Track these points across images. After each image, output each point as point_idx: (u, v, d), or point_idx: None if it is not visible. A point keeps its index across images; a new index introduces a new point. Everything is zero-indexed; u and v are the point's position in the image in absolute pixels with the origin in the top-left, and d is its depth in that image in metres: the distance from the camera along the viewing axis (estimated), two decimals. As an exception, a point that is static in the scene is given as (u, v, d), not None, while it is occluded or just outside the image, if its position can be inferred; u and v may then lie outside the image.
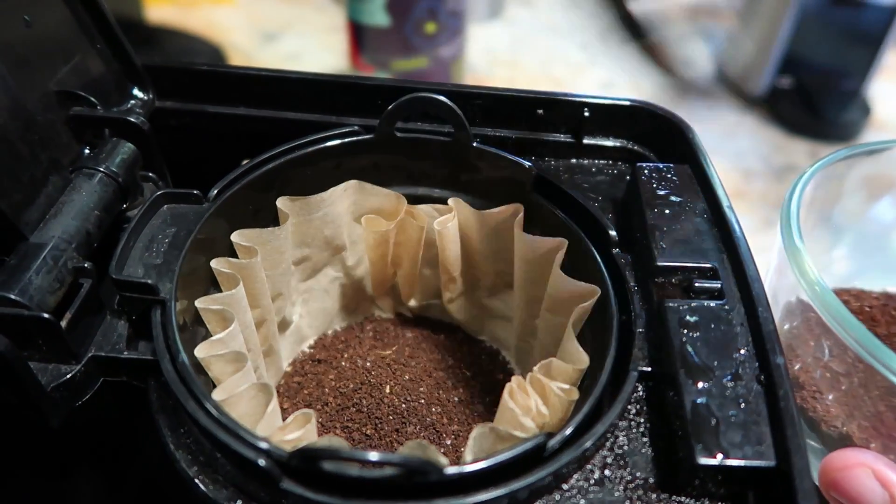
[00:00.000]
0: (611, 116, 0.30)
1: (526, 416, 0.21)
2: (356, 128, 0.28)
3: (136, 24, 0.84)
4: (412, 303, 0.32)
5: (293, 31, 0.95)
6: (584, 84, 0.91)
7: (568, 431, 0.20)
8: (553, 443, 0.20)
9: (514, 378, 0.22)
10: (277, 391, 0.29)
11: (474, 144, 0.27)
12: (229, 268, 0.24)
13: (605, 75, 0.92)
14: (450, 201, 0.28)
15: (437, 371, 0.29)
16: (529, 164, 0.27)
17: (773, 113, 0.86)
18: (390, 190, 0.29)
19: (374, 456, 0.17)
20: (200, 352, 0.21)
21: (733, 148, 0.82)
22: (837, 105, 0.84)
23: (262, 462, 0.18)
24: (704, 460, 0.19)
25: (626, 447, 0.21)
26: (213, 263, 0.24)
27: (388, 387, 0.28)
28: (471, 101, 0.30)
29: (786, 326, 0.28)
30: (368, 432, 0.26)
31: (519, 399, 0.22)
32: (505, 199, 0.28)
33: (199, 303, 0.23)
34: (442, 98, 0.27)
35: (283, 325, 0.29)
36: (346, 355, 0.30)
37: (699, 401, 0.20)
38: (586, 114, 0.29)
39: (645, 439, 0.21)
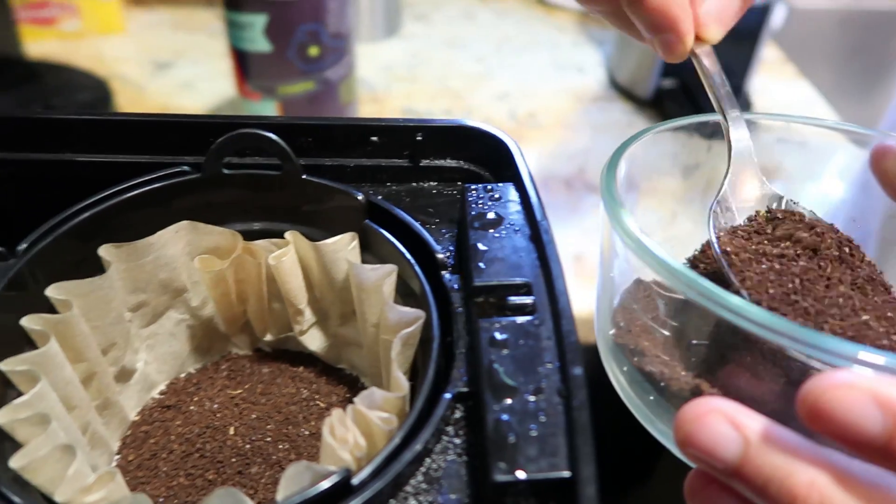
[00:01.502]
0: (444, 138, 0.30)
1: (343, 449, 0.21)
2: (185, 168, 0.28)
3: (14, 61, 0.81)
4: (268, 337, 0.32)
5: (186, 58, 0.94)
6: (482, 96, 0.93)
7: (376, 462, 0.20)
8: (363, 474, 0.20)
9: (334, 411, 0.22)
10: (123, 442, 0.28)
11: (304, 177, 0.28)
12: (40, 325, 0.23)
13: (501, 86, 0.94)
14: (286, 234, 0.28)
15: (290, 406, 0.29)
16: (359, 193, 0.27)
17: (662, 113, 0.89)
18: (225, 228, 0.28)
19: None
20: (1, 417, 0.21)
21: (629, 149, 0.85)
22: (720, 102, 0.88)
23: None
24: (501, 477, 0.19)
25: (442, 470, 0.21)
26: (23, 321, 0.23)
27: (232, 428, 0.27)
28: (304, 133, 0.30)
29: (623, 299, 0.29)
30: (210, 477, 0.26)
31: (338, 433, 0.22)
32: (341, 228, 0.28)
33: (2, 365, 0.22)
34: (265, 133, 0.27)
35: (126, 375, 0.28)
36: (195, 399, 0.29)
37: (502, 418, 0.20)
38: (419, 137, 0.30)
39: (462, 460, 0.22)
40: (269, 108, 0.70)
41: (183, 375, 0.31)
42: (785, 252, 0.27)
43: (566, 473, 0.19)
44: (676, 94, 0.88)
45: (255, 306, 0.30)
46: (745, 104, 0.88)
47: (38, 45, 0.90)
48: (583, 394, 0.20)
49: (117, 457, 0.27)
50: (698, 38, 0.28)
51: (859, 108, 1.14)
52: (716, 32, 0.28)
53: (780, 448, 0.17)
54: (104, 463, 0.27)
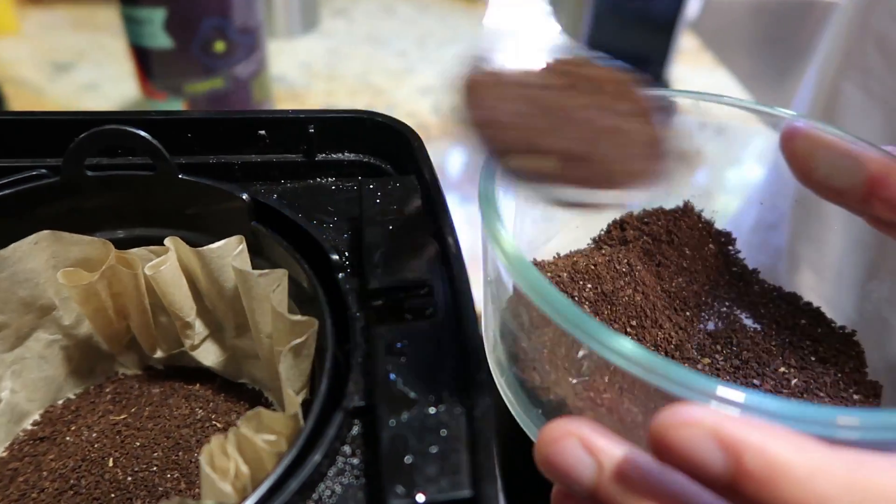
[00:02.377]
0: (340, 130, 0.28)
1: (224, 481, 0.19)
2: (43, 171, 0.25)
3: None
4: (158, 354, 0.29)
5: (88, 60, 0.88)
6: (405, 91, 0.90)
7: (258, 493, 0.18)
8: None
9: (213, 438, 0.20)
10: (-14, 483, 0.25)
11: (180, 176, 0.25)
12: None
13: (424, 80, 0.92)
14: (166, 241, 0.26)
15: (182, 429, 0.26)
16: (243, 192, 0.25)
17: (586, 103, 0.89)
18: (95, 236, 0.25)
19: None
20: None
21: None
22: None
23: None
24: (396, 501, 0.17)
25: (336, 496, 0.19)
26: None
27: (111, 459, 0.25)
28: (184, 128, 0.27)
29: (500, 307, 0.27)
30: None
31: (217, 462, 0.19)
32: (229, 232, 0.26)
33: None
34: (130, 129, 0.24)
35: (-13, 406, 0.25)
36: (72, 428, 0.26)
37: (399, 435, 0.18)
38: (311, 130, 0.28)
39: (360, 483, 0.19)
40: (175, 108, 0.66)
41: (60, 402, 0.28)
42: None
43: (467, 493, 0.17)
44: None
45: (138, 321, 0.27)
46: (665, 93, 0.89)
47: (-80, 48, 0.83)
48: (486, 402, 0.19)
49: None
50: None
51: (775, 95, 1.18)
52: None
53: (632, 477, 0.16)
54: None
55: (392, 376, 0.20)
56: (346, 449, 0.20)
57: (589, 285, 0.28)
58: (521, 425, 0.25)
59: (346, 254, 0.25)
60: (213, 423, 0.27)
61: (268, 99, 0.72)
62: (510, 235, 0.22)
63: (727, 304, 0.31)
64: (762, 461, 0.14)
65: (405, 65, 0.95)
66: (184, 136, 0.27)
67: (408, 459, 0.18)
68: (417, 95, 0.89)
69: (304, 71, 0.91)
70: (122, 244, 0.26)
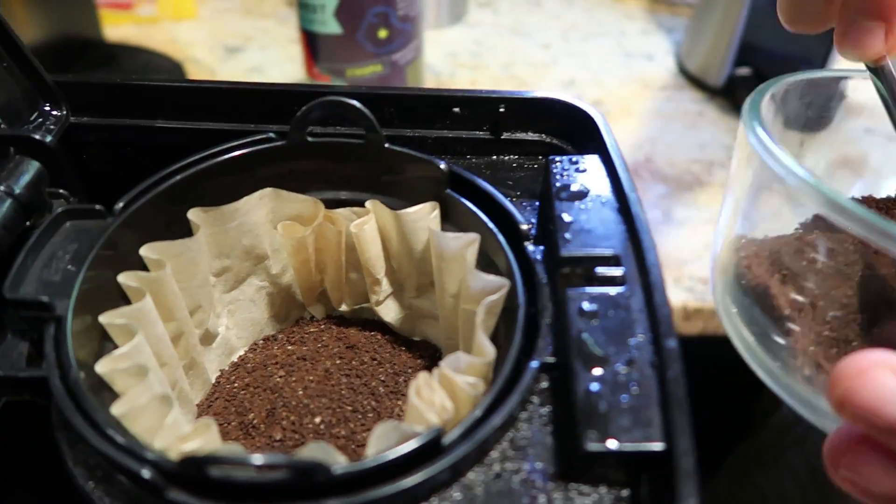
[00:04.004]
0: (526, 111, 0.30)
1: (430, 411, 0.21)
2: (271, 135, 0.28)
3: (96, 44, 0.84)
4: (343, 307, 0.32)
5: (255, 43, 0.95)
6: (547, 83, 0.91)
7: (464, 425, 0.20)
8: (451, 436, 0.20)
9: (420, 374, 0.22)
10: (203, 403, 0.29)
11: (386, 146, 0.28)
12: (136, 281, 0.24)
13: (567, 73, 0.93)
14: (367, 203, 0.28)
15: (363, 367, 0.29)
16: (442, 161, 0.27)
17: (734, 103, 0.86)
18: (308, 196, 0.29)
19: (258, 459, 0.17)
20: (101, 367, 0.21)
21: (696, 139, 0.83)
22: (796, 91, 0.85)
23: (145, 473, 0.18)
24: (593, 446, 0.19)
25: (527, 439, 0.21)
26: (120, 278, 0.24)
27: (300, 389, 0.28)
28: (387, 103, 0.30)
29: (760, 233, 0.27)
30: (279, 436, 0.26)
31: (424, 395, 0.22)
32: (422, 198, 0.28)
33: (102, 318, 0.22)
34: (349, 101, 0.27)
35: (209, 338, 0.29)
36: (272, 363, 0.30)
37: (592, 388, 0.20)
38: (502, 109, 0.30)
39: (548, 429, 0.21)
40: (337, 91, 0.70)
41: (261, 342, 0.32)
42: None
43: (660, 445, 0.18)
44: (750, 82, 0.85)
45: (332, 275, 0.31)
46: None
47: (116, 28, 0.93)
48: (678, 366, 0.20)
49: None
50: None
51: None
52: None
53: None
54: (189, 421, 0.27)
55: (584, 335, 0.21)
56: (536, 399, 0.22)
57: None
58: (749, 360, 0.25)
59: (531, 225, 0.27)
60: (394, 372, 0.30)
61: (419, 85, 0.76)
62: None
63: None
64: None
65: (548, 57, 0.96)
66: (386, 110, 0.30)
67: (602, 408, 0.19)
68: (560, 88, 0.90)
69: (450, 60, 0.94)
70: (329, 205, 0.29)
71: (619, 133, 0.82)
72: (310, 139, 0.28)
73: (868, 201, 0.27)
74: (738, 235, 0.27)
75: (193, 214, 0.26)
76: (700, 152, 0.80)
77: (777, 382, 0.24)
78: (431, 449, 0.19)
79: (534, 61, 0.95)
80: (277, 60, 0.90)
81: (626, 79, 0.92)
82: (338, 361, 0.29)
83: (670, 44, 0.97)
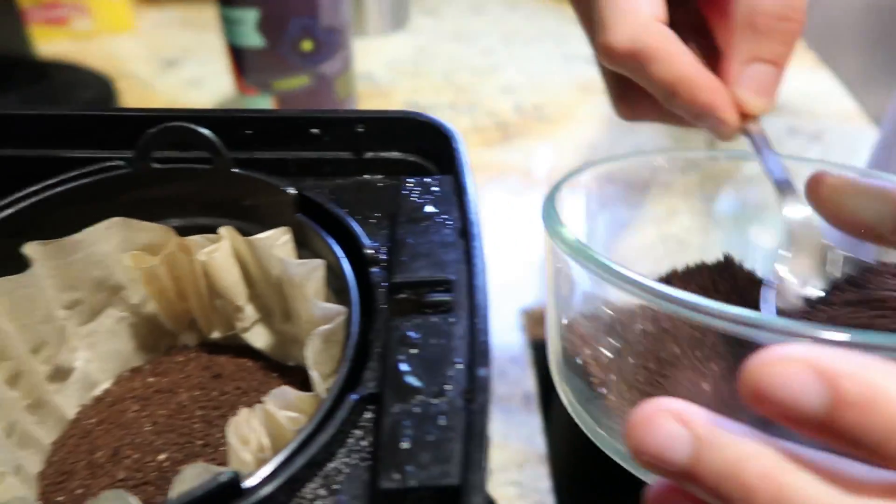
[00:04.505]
0: (386, 129, 0.29)
1: (245, 451, 0.21)
2: (118, 162, 0.28)
3: (25, 61, 0.83)
4: (215, 334, 0.31)
5: (194, 56, 0.94)
6: (488, 89, 0.91)
7: (272, 465, 0.19)
8: (259, 476, 0.19)
9: (241, 410, 0.22)
10: (57, 443, 0.28)
11: (234, 170, 0.27)
12: (-43, 321, 0.23)
13: (508, 79, 0.93)
14: (220, 229, 0.28)
15: (223, 398, 0.29)
16: (289, 187, 0.27)
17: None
18: (160, 224, 0.28)
19: None
20: None
21: (634, 142, 0.83)
22: (733, 92, 0.85)
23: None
24: (387, 484, 0.18)
25: (343, 475, 0.20)
26: (-57, 317, 0.23)
27: (150, 425, 0.27)
28: (244, 125, 0.29)
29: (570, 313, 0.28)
30: (122, 475, 0.25)
31: (241, 433, 0.21)
32: (276, 223, 0.27)
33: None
34: (190, 126, 0.26)
35: (63, 373, 0.28)
36: (131, 395, 0.29)
37: (399, 422, 0.19)
38: (360, 129, 0.29)
39: (365, 465, 0.21)
40: (265, 104, 0.70)
41: (126, 373, 0.31)
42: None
43: (454, 481, 0.18)
44: (687, 85, 0.85)
45: (196, 303, 0.30)
46: (759, 94, 0.85)
47: (50, 45, 0.92)
48: (484, 397, 0.19)
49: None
50: (746, 115, 0.28)
51: (886, 98, 1.10)
52: (760, 105, 0.28)
53: (731, 441, 0.16)
54: (36, 462, 0.27)
55: (402, 366, 0.21)
56: (358, 432, 0.21)
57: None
58: (589, 434, 0.26)
59: (383, 249, 0.27)
60: (255, 397, 0.29)
61: (351, 96, 0.75)
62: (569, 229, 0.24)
63: None
64: (861, 385, 0.14)
65: (490, 63, 0.96)
66: (243, 133, 0.29)
67: (404, 445, 0.19)
68: (500, 94, 0.90)
69: (391, 69, 0.94)
70: (183, 232, 0.28)
71: (559, 137, 0.83)
72: (157, 166, 0.27)
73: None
74: (556, 315, 0.28)
75: (29, 248, 0.26)
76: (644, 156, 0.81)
77: (604, 443, 0.25)
78: (224, 494, 0.19)
79: (475, 67, 0.95)
80: (216, 73, 0.89)
81: (567, 83, 0.92)
82: (196, 393, 0.29)
83: (611, 47, 0.98)
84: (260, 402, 0.23)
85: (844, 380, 0.14)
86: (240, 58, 0.68)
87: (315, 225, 0.27)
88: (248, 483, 0.19)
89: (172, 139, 0.27)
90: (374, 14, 0.99)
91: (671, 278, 0.32)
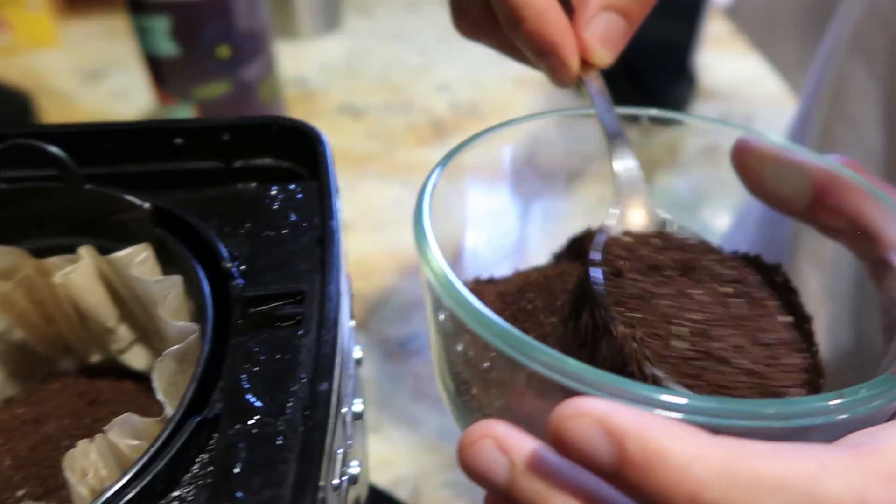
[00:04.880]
0: (253, 136, 0.28)
1: (82, 484, 0.20)
2: (-36, 184, 0.26)
3: (-61, 80, 0.80)
4: (95, 357, 0.30)
5: (119, 67, 0.92)
6: (423, 87, 0.91)
7: (102, 498, 0.18)
8: None
9: (80, 442, 0.21)
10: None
11: (88, 187, 0.26)
12: None
13: (444, 76, 0.92)
14: (79, 249, 0.27)
15: (92, 434, 0.27)
16: (144, 201, 0.25)
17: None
18: (16, 246, 0.27)
19: None
20: None
21: (572, 135, 0.82)
22: (663, 80, 0.86)
23: None
24: (217, 513, 0.17)
25: (186, 502, 0.19)
26: None
27: (11, 459, 0.26)
28: (100, 139, 0.28)
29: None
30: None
31: (78, 466, 0.20)
32: (138, 239, 0.26)
33: None
34: (37, 143, 0.25)
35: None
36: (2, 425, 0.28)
37: (234, 444, 0.18)
38: (226, 137, 0.28)
39: (208, 492, 0.20)
40: (186, 113, 0.68)
41: (-1, 402, 0.29)
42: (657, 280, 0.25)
43: (286, 504, 0.17)
44: (619, 75, 0.85)
45: (66, 327, 0.29)
46: (689, 82, 0.85)
47: (-33, 62, 0.88)
48: (322, 412, 0.18)
49: None
50: (586, 63, 0.27)
51: (819, 78, 1.11)
52: (603, 56, 0.27)
53: (542, 474, 0.17)
54: None
55: (244, 384, 0.20)
56: (205, 457, 0.20)
57: (537, 297, 0.28)
58: (460, 428, 0.25)
59: (245, 261, 0.25)
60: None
61: (276, 101, 0.74)
62: (439, 256, 0.22)
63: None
64: (643, 448, 0.15)
65: (425, 61, 0.95)
66: (105, 148, 0.28)
67: (237, 470, 0.18)
68: (435, 92, 0.89)
69: (324, 71, 0.92)
70: (43, 253, 0.27)
71: (496, 133, 0.82)
72: (3, 186, 0.26)
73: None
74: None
75: None
76: (578, 146, 0.80)
77: None
78: None
79: (410, 66, 0.94)
80: (141, 84, 0.86)
81: (502, 78, 0.92)
82: (66, 422, 0.27)
83: (545, 40, 0.97)
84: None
85: (629, 441, 0.15)
86: (156, 67, 0.66)
87: (174, 239, 0.25)
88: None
89: (19, 157, 0.25)
90: (305, 16, 0.97)
91: (585, 238, 0.31)
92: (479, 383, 0.23)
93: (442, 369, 0.25)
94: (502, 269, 0.33)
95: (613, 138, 0.26)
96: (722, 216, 0.44)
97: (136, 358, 0.30)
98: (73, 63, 0.93)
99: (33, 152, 0.25)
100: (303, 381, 0.20)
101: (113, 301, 0.28)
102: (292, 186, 0.26)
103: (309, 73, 0.91)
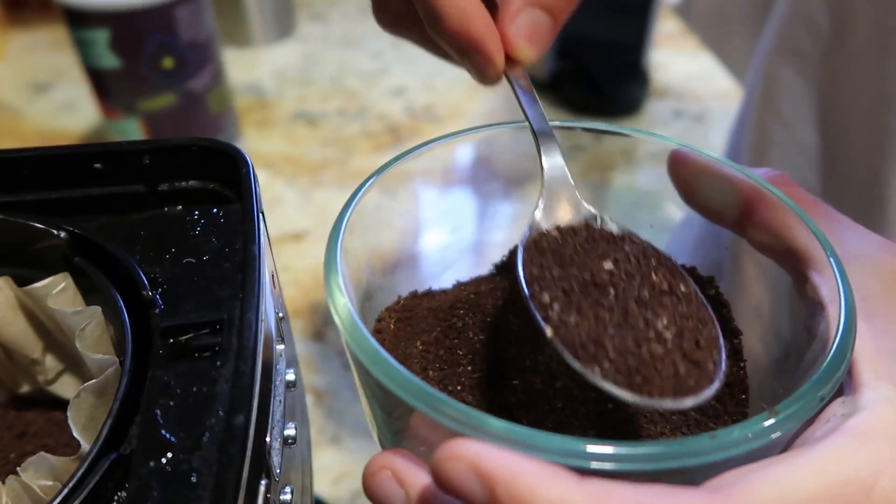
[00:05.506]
0: (175, 158, 0.28)
1: (-11, 529, 0.19)
2: None
3: None
4: (24, 388, 0.29)
5: (67, 79, 0.90)
6: (378, 92, 0.90)
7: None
8: None
9: None
10: None
11: None
12: None
13: (398, 81, 0.91)
14: (-3, 281, 0.26)
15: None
16: (59, 229, 0.25)
17: (561, 95, 0.87)
18: (-70, 279, 0.26)
19: None
20: None
21: (527, 135, 0.83)
22: (617, 80, 0.86)
23: None
24: (124, 559, 0.17)
25: (103, 543, 0.19)
26: None
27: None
28: (18, 165, 0.27)
29: None
30: None
31: (-12, 509, 0.19)
32: (60, 268, 0.25)
33: None
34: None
35: None
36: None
37: (147, 483, 0.18)
38: (147, 161, 0.27)
39: (127, 530, 0.19)
40: (132, 127, 0.67)
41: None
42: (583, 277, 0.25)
43: (196, 547, 0.17)
44: (575, 75, 0.86)
45: (-13, 360, 0.28)
46: (643, 79, 0.86)
47: None
48: (236, 447, 0.18)
49: None
50: (512, 60, 0.26)
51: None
52: (529, 52, 0.26)
53: None
54: None
55: (158, 419, 0.19)
56: (122, 494, 0.20)
57: (467, 314, 0.28)
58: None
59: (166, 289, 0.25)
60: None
61: (227, 110, 0.73)
62: (344, 297, 0.22)
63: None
64: (511, 492, 0.16)
65: (379, 66, 0.95)
66: (22, 173, 0.27)
67: (147, 508, 0.17)
68: (390, 97, 0.89)
69: (278, 78, 0.91)
70: (-45, 286, 0.26)
71: (437, 145, 0.82)
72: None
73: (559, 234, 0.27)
74: None
75: None
76: (531, 147, 0.81)
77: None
78: None
79: (365, 71, 0.94)
80: (88, 96, 0.85)
81: (457, 81, 0.92)
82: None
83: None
84: (16, 473, 0.21)
85: (498, 485, 0.16)
86: (99, 80, 0.65)
87: (93, 268, 0.25)
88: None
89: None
90: (257, 23, 0.96)
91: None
92: (382, 411, 0.23)
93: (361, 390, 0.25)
94: (454, 276, 0.33)
95: (540, 135, 0.26)
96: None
97: (66, 387, 0.29)
98: (18, 76, 0.91)
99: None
100: (219, 414, 0.19)
101: (36, 332, 0.27)
102: (214, 210, 0.25)
103: (262, 80, 0.90)
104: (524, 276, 0.23)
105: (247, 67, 0.92)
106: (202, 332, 0.21)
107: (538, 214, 0.27)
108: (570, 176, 0.27)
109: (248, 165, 0.27)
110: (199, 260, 0.24)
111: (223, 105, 0.72)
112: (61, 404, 0.29)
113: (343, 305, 0.21)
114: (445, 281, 0.33)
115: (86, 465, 0.19)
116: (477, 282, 0.31)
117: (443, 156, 0.33)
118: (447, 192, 0.35)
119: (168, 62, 0.64)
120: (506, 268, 0.33)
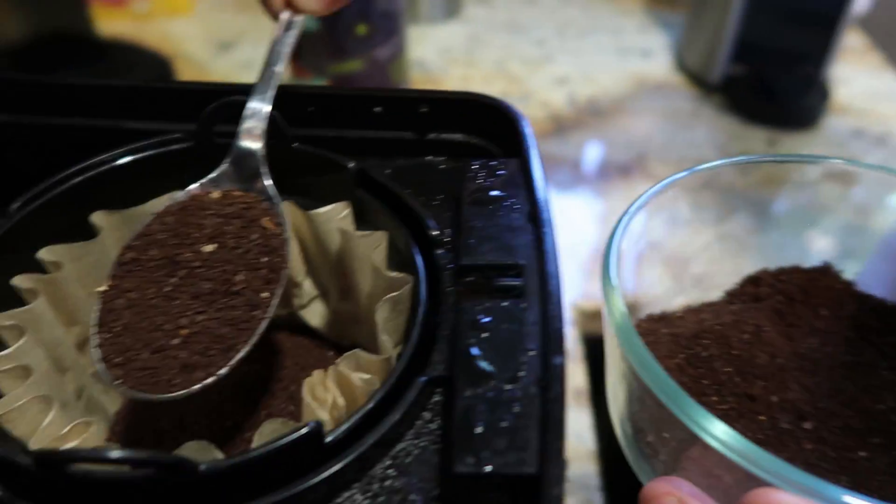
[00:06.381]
0: (450, 111, 0.29)
1: (322, 409, 0.20)
2: (179, 135, 0.27)
3: (87, 40, 0.84)
4: (280, 311, 0.31)
5: (249, 39, 0.95)
6: (540, 80, 0.90)
7: (344, 427, 0.19)
8: (335, 435, 0.19)
9: (315, 372, 0.21)
10: (120, 412, 0.28)
11: (295, 146, 0.27)
12: (30, 283, 0.23)
13: (561, 70, 0.91)
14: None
15: (283, 379, 0.29)
16: (351, 161, 0.26)
17: (731, 101, 0.84)
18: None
19: (115, 453, 0.16)
20: (-17, 369, 0.21)
21: (689, 138, 0.81)
22: (794, 90, 0.82)
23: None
24: (462, 468, 0.18)
25: (412, 457, 0.20)
26: (14, 281, 0.23)
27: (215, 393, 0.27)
28: (305, 101, 0.29)
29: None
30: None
31: (317, 393, 0.21)
32: (335, 199, 0.27)
33: (-9, 320, 0.22)
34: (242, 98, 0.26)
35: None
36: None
37: (473, 406, 0.19)
38: (424, 110, 0.29)
39: (435, 448, 0.20)
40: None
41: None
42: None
43: (532, 470, 0.17)
44: (747, 82, 0.83)
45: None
46: (821, 94, 0.82)
47: (110, 25, 0.93)
48: (560, 386, 0.19)
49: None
50: (293, 7, 0.29)
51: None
52: (309, 2, 0.29)
53: None
54: (102, 429, 0.27)
55: (473, 350, 0.20)
56: (426, 415, 0.21)
57: (713, 345, 0.27)
58: (634, 469, 0.26)
59: (448, 231, 0.26)
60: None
61: (404, 82, 0.75)
62: (623, 306, 0.24)
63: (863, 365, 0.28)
64: None
65: (543, 53, 0.94)
66: (305, 110, 0.29)
67: (478, 430, 0.18)
68: (552, 85, 0.89)
69: (443, 56, 0.93)
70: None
71: (611, 131, 0.81)
72: (217, 140, 0.27)
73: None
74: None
75: (97, 217, 0.26)
76: (693, 151, 0.79)
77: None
78: (308, 444, 0.18)
79: (528, 58, 0.94)
80: (267, 56, 0.89)
81: (621, 76, 0.90)
82: (258, 366, 0.29)
83: (669, 40, 0.95)
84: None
85: None
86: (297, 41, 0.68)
87: (379, 202, 0.26)
88: (331, 437, 0.19)
89: (233, 114, 0.26)
90: (426, 1, 0.98)
91: (760, 277, 0.31)
92: (655, 434, 0.23)
93: (621, 412, 0.26)
94: (673, 302, 0.33)
95: (265, 73, 0.27)
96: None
97: (314, 314, 0.31)
98: (206, 32, 0.96)
99: (235, 109, 0.26)
100: (531, 352, 0.20)
101: (304, 257, 0.29)
102: (494, 162, 0.26)
103: (428, 57, 0.92)
104: None
105: (414, 43, 0.94)
106: (502, 274, 0.22)
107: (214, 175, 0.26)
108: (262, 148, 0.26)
109: (525, 122, 0.27)
110: (480, 208, 0.25)
111: (401, 76, 0.74)
112: (303, 331, 0.31)
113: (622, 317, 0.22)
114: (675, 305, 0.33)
115: (393, 380, 0.21)
116: (715, 311, 0.30)
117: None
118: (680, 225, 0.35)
119: (362, 28, 0.66)
120: (739, 296, 0.32)
